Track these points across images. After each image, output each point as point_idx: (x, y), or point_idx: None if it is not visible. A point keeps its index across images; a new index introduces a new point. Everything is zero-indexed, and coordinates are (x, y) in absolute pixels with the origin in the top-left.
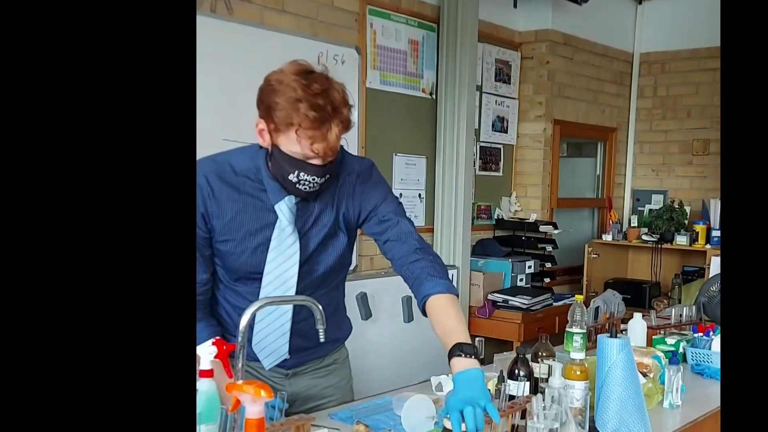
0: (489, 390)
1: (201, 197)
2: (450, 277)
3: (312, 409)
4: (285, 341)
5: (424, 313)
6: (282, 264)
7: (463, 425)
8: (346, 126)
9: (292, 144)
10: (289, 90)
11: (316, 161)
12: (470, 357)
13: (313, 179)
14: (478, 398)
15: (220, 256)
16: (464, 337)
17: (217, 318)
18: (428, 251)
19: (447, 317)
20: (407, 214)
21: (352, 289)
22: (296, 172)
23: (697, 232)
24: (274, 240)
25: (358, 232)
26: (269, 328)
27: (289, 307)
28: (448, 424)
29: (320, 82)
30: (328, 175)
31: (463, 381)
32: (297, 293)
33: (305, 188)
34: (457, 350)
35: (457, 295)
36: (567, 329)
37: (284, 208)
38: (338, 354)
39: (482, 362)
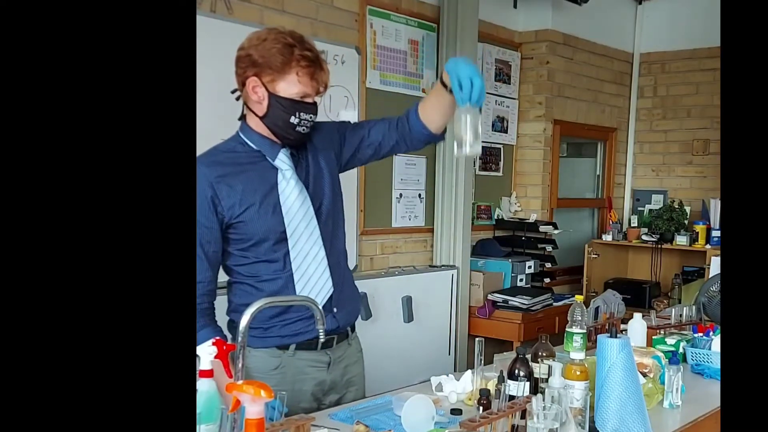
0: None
1: (207, 182)
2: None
3: (345, 396)
4: (327, 276)
5: (419, 121)
6: (299, 209)
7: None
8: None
9: (292, 86)
10: (279, 39)
11: (309, 99)
12: None
13: (310, 117)
14: (472, 73)
15: (245, 227)
16: None
17: (241, 308)
18: None
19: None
20: (407, 214)
21: None
22: (297, 113)
23: (697, 232)
24: (282, 193)
25: (359, 229)
26: (306, 260)
27: (321, 246)
28: None
29: (294, 34)
30: (316, 115)
31: (457, 61)
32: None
33: (303, 129)
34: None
35: None
36: (567, 329)
37: (284, 158)
38: (357, 341)
39: (482, 362)
